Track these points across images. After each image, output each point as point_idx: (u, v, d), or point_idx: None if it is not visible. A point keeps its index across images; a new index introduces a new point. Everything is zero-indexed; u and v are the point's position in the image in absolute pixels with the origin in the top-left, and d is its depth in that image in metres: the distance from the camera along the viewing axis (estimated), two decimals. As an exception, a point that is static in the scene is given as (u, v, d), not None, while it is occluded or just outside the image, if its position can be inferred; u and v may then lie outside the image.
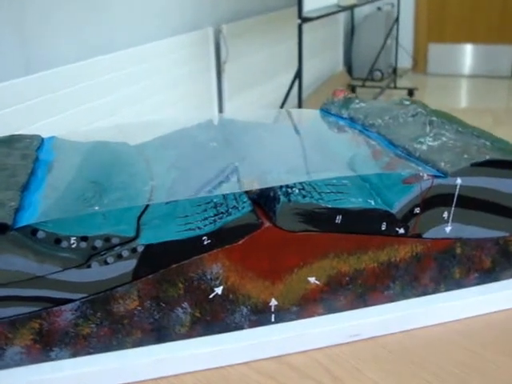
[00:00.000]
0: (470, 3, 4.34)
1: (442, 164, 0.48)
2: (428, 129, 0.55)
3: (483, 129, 0.56)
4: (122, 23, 2.00)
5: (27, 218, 0.40)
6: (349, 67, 4.53)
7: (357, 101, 0.65)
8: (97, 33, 1.89)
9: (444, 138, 0.53)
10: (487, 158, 0.48)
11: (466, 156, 0.49)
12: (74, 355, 0.44)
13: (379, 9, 4.33)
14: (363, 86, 4.00)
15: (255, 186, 0.47)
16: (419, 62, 4.58)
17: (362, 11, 4.34)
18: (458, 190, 0.48)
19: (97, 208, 0.43)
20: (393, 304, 0.50)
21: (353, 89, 3.93)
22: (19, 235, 0.40)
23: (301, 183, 0.47)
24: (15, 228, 0.39)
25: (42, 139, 0.57)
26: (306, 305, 0.48)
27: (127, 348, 0.45)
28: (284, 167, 0.51)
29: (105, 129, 0.68)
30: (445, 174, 0.48)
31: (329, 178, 0.48)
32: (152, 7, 2.16)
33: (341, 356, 0.47)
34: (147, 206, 0.45)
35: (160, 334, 0.45)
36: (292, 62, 2.60)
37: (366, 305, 0.50)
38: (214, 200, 0.46)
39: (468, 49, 4.44)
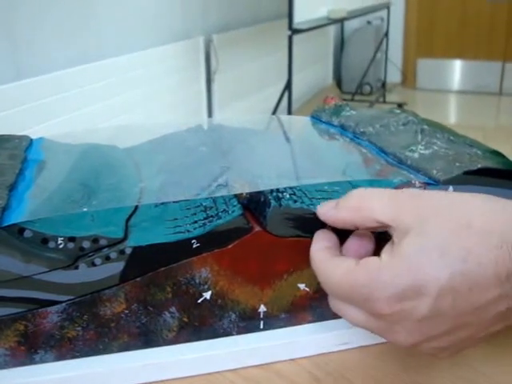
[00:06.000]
0: (459, 19, 4.39)
1: (434, 172, 0.48)
2: (419, 137, 0.55)
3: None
4: (112, 31, 2.00)
5: (14, 217, 0.40)
6: (338, 80, 4.55)
7: (348, 108, 0.65)
8: (87, 40, 1.89)
9: (436, 147, 0.52)
10: (479, 166, 0.48)
11: (458, 164, 0.48)
12: (59, 358, 0.43)
13: (369, 23, 4.37)
14: (352, 99, 4.03)
15: (245, 189, 0.47)
16: (408, 77, 4.62)
17: (351, 25, 4.38)
18: None
19: (85, 209, 0.42)
20: (382, 312, 0.50)
21: (342, 102, 3.96)
22: (5, 234, 0.39)
23: (291, 188, 0.46)
24: (1, 227, 0.39)
25: (31, 140, 0.57)
26: (295, 312, 0.48)
27: (113, 352, 0.44)
28: (275, 172, 0.50)
29: (94, 131, 0.68)
30: (437, 182, 0.47)
31: (320, 183, 0.47)
32: (143, 16, 2.17)
33: (329, 364, 0.46)
34: (136, 207, 0.44)
35: (147, 338, 0.45)
36: (282, 73, 2.61)
37: (355, 312, 0.49)
38: (204, 203, 0.46)
39: (457, 65, 4.48)
